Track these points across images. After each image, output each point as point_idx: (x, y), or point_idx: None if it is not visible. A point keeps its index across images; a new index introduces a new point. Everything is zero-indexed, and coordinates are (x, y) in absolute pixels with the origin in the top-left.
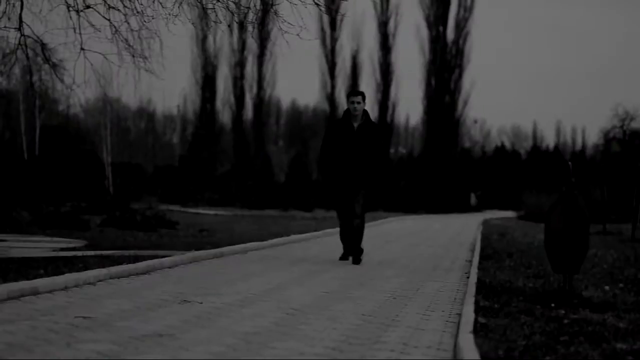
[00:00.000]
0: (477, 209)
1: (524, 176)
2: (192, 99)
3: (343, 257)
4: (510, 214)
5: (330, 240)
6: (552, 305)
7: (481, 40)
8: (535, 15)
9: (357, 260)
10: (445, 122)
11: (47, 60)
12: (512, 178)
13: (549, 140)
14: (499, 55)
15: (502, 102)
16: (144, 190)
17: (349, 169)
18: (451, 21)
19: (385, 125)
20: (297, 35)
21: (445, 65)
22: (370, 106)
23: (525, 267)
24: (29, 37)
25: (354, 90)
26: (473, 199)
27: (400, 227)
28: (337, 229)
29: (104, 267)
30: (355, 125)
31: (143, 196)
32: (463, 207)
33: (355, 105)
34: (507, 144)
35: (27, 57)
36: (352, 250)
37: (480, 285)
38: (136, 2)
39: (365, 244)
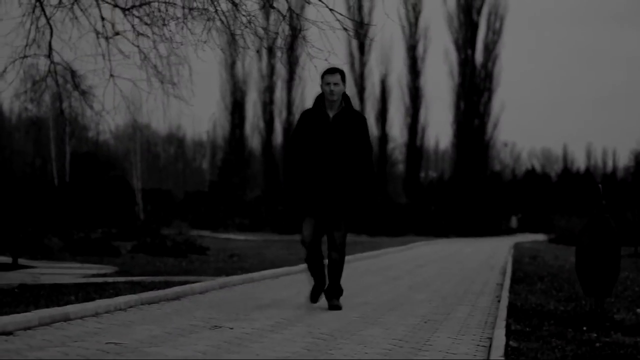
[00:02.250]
0: (508, 232)
1: (555, 199)
2: (222, 125)
3: (314, 293)
4: (541, 237)
5: (361, 265)
6: (584, 328)
7: (510, 63)
8: (565, 37)
9: (334, 305)
10: (475, 145)
11: (76, 87)
12: (542, 201)
13: (580, 163)
14: (528, 78)
15: (532, 125)
16: (174, 216)
17: (323, 179)
18: (480, 44)
19: (364, 118)
20: (326, 60)
21: (474, 89)
22: (400, 130)
23: (557, 290)
24: (58, 64)
25: (330, 68)
26: (514, 222)
27: (430, 251)
28: (369, 254)
29: (134, 293)
30: (331, 114)
31: (173, 222)
32: (494, 231)
33: (332, 87)
34: (538, 167)
35: (57, 84)
36: (329, 291)
37: (512, 309)
38: (165, 28)
39: (396, 268)
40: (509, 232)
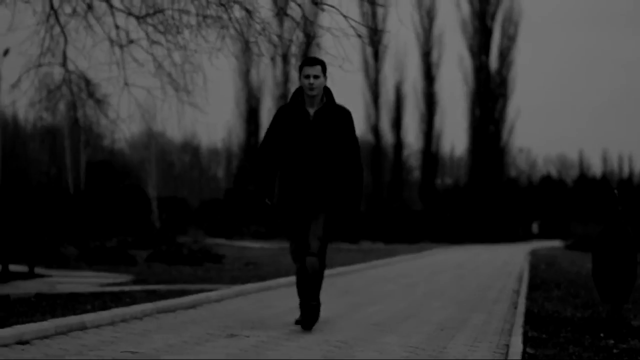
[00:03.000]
0: (526, 238)
1: (571, 205)
2: (237, 132)
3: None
4: (557, 243)
5: (376, 272)
6: (601, 335)
7: (525, 69)
8: (580, 43)
9: (308, 323)
10: (491, 151)
11: (91, 95)
12: (559, 207)
13: (596, 169)
14: (543, 84)
15: (548, 131)
16: (189, 224)
17: (301, 181)
18: (494, 50)
19: (348, 113)
20: (340, 67)
21: (489, 95)
22: (415, 136)
23: (574, 296)
24: (73, 72)
25: (309, 58)
26: (535, 228)
27: (446, 258)
28: (384, 261)
29: (150, 301)
30: (312, 111)
31: (189, 230)
32: (510, 237)
33: (312, 80)
34: (554, 173)
35: (72, 93)
36: (304, 305)
37: (528, 316)
38: (179, 36)
39: (412, 275)
40: (527, 238)
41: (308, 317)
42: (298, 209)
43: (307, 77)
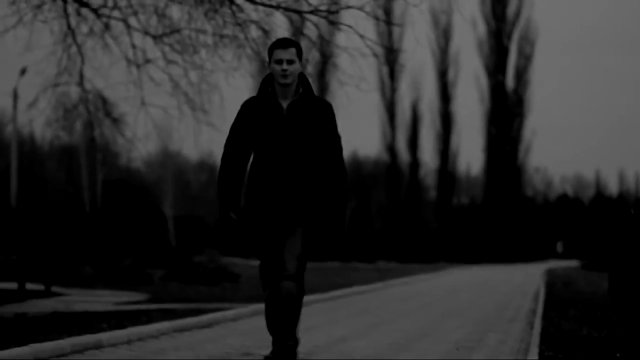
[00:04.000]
0: (544, 257)
1: (587, 225)
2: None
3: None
4: (574, 263)
5: (392, 292)
6: (617, 355)
7: (542, 88)
8: (596, 61)
9: None
10: (507, 170)
11: (108, 114)
12: (575, 227)
13: (612, 188)
14: (559, 103)
15: (564, 150)
16: (206, 243)
17: (273, 189)
18: (511, 69)
19: (329, 106)
20: (356, 86)
21: (505, 114)
22: (431, 156)
23: (590, 316)
24: (90, 92)
25: (281, 40)
26: (560, 247)
27: (462, 278)
28: (401, 280)
29: (167, 320)
30: (285, 104)
31: (205, 249)
32: (527, 257)
33: (285, 65)
34: (570, 192)
35: (89, 112)
36: (277, 344)
37: (545, 335)
38: (196, 56)
39: (428, 295)
40: (551, 257)
41: (283, 351)
42: (270, 222)
43: (279, 61)
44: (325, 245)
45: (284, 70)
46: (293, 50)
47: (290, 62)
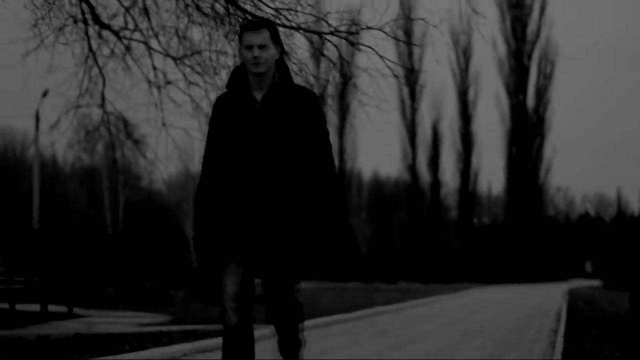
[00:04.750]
0: (564, 276)
1: (609, 244)
2: None
3: None
4: (595, 282)
5: (414, 312)
6: None
7: (562, 107)
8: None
9: None
10: (528, 190)
11: (129, 136)
12: (596, 246)
13: (634, 207)
14: (580, 122)
15: (585, 169)
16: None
17: (250, 199)
18: (531, 89)
19: (313, 96)
20: (377, 107)
21: (526, 134)
22: (452, 176)
23: (612, 336)
24: (111, 113)
25: (251, 22)
26: (589, 267)
27: (484, 298)
28: (423, 301)
29: (188, 342)
30: (259, 95)
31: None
32: (549, 276)
33: (257, 52)
34: (591, 212)
35: (110, 134)
36: (283, 341)
37: (566, 355)
38: (216, 77)
39: (450, 315)
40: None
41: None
42: (243, 243)
43: (249, 47)
44: (316, 267)
45: (256, 58)
46: (266, 33)
47: (262, 47)
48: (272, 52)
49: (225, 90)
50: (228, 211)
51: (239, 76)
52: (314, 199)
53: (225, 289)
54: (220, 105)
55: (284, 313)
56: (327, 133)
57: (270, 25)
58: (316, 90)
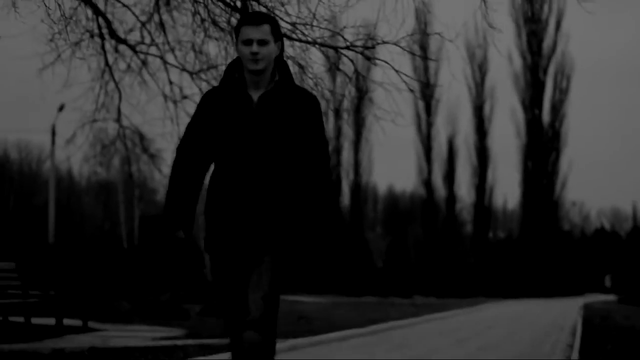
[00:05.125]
0: (580, 291)
1: (625, 258)
2: None
3: None
4: (611, 297)
5: (429, 327)
6: None
7: (577, 121)
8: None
9: None
10: (543, 204)
11: (145, 150)
12: (612, 260)
13: None
14: (596, 136)
15: (601, 184)
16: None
17: (239, 204)
18: (547, 104)
19: (314, 99)
20: (392, 121)
21: (542, 148)
22: (467, 190)
23: (628, 351)
24: (127, 128)
25: (251, 15)
26: (608, 281)
27: (499, 312)
28: (438, 315)
29: (204, 355)
30: (256, 95)
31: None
32: (564, 291)
33: (255, 48)
34: (607, 226)
35: (126, 148)
36: None
37: None
38: None
39: (465, 329)
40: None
41: None
42: (233, 249)
43: (248, 42)
44: (304, 271)
45: (254, 54)
46: (266, 27)
47: (262, 42)
48: (272, 48)
49: (217, 86)
50: (221, 215)
51: (234, 72)
52: (308, 201)
53: (225, 304)
54: (210, 100)
55: (252, 344)
56: (326, 142)
57: (271, 20)
58: (332, 105)
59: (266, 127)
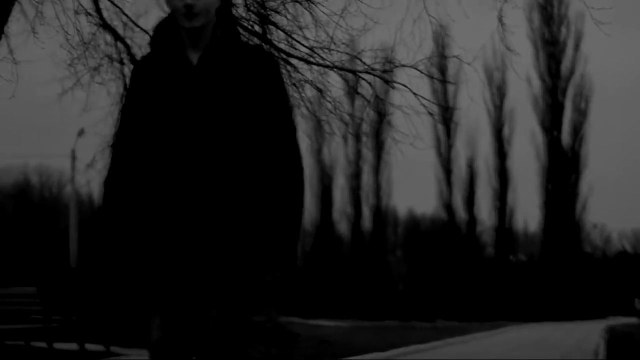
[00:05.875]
0: (601, 314)
1: None
2: (310, 210)
3: None
4: (634, 320)
5: (449, 351)
6: None
7: (597, 143)
8: None
9: None
10: (565, 227)
11: None
12: (634, 283)
13: None
14: (616, 158)
15: (622, 206)
16: (263, 302)
17: (174, 205)
18: (566, 126)
19: (270, 57)
20: (411, 144)
21: (562, 170)
22: (488, 213)
23: None
24: None
25: None
26: (638, 304)
27: (521, 335)
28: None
29: None
30: (196, 56)
31: (263, 307)
32: (586, 314)
33: (189, 0)
34: (629, 248)
35: None
36: None
37: None
38: None
39: (487, 353)
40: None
41: None
42: (167, 267)
43: None
44: (272, 287)
45: (189, 7)
46: None
47: None
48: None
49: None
50: (154, 220)
51: (168, 32)
52: (268, 199)
53: (152, 330)
54: (142, 70)
55: None
56: (289, 108)
57: None
58: (351, 128)
59: (210, 95)
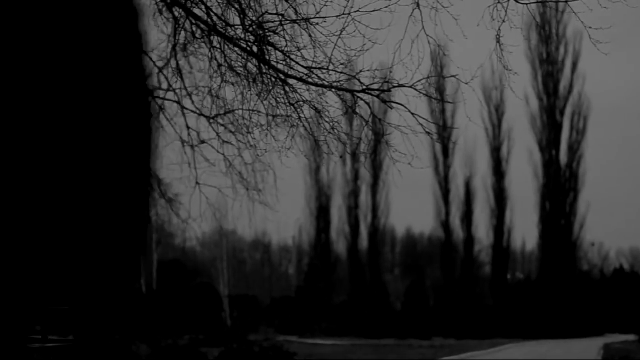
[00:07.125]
0: (598, 332)
1: None
2: (307, 230)
3: None
4: (631, 337)
5: None
6: None
7: (595, 162)
8: None
9: None
10: (562, 245)
11: (163, 195)
12: (631, 300)
13: None
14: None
15: (619, 224)
16: (260, 322)
17: None
18: (564, 144)
19: None
20: (409, 164)
21: (559, 189)
22: (485, 231)
23: None
24: None
25: None
26: None
27: (520, 353)
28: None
29: None
30: None
31: (260, 327)
32: (583, 331)
33: None
34: (626, 266)
35: None
36: None
37: None
38: (249, 136)
39: None
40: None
41: None
42: None
43: None
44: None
45: None
46: None
47: None
48: None
49: None
50: None
51: None
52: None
53: None
54: None
55: None
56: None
57: None
58: (349, 148)
59: None
